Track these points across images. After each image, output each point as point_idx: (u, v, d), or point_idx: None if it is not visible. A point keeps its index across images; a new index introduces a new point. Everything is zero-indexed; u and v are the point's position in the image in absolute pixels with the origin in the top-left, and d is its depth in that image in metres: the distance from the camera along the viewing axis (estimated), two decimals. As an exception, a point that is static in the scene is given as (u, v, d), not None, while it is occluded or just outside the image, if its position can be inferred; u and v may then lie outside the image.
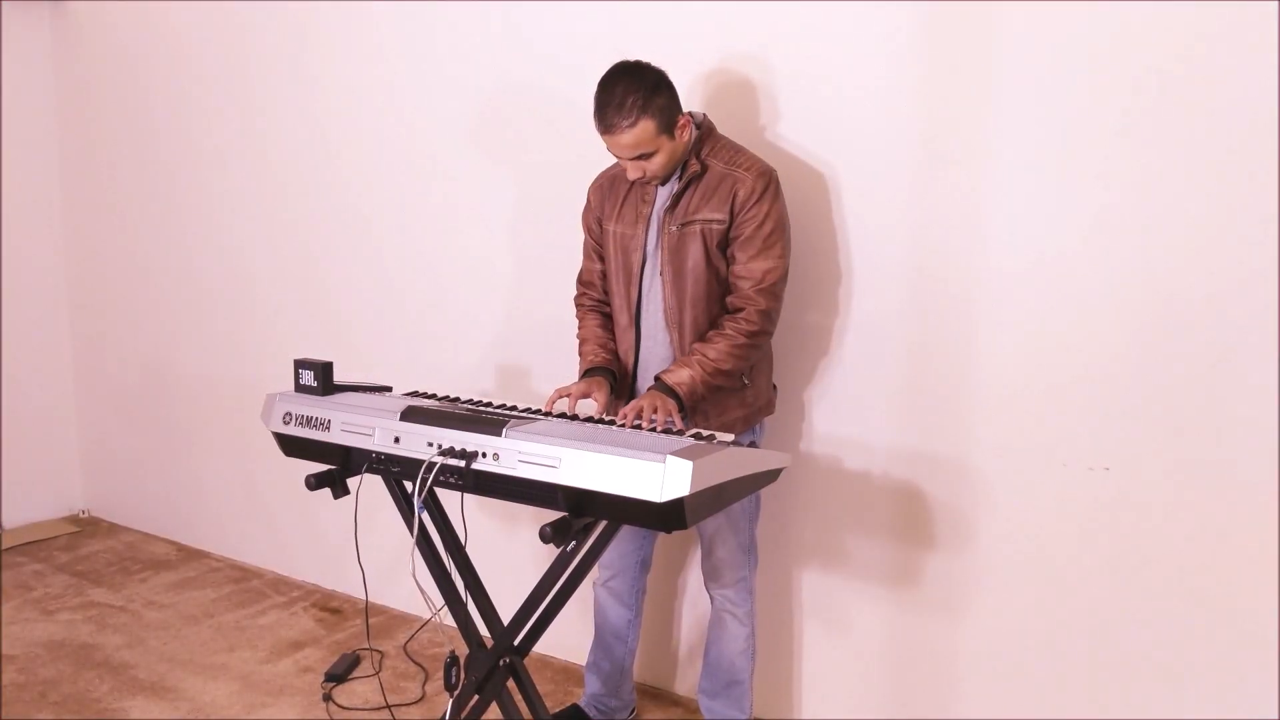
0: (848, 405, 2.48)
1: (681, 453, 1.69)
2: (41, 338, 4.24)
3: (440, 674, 2.94)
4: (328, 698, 2.81)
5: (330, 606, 3.46)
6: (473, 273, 3.10)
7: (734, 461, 1.81)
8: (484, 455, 1.86)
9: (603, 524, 1.93)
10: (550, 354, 2.93)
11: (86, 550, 3.99)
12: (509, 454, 1.83)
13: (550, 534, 1.75)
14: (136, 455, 4.19)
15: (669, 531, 1.77)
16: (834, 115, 2.40)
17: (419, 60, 3.11)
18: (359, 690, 2.87)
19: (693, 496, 1.67)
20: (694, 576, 2.80)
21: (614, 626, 2.57)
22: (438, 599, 2.14)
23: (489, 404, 2.22)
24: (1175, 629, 2.14)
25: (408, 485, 2.14)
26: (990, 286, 2.26)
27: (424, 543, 2.07)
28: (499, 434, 1.85)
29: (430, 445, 1.92)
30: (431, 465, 1.87)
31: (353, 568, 3.51)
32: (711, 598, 2.45)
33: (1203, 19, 1.97)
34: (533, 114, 2.89)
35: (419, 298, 3.25)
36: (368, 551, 3.58)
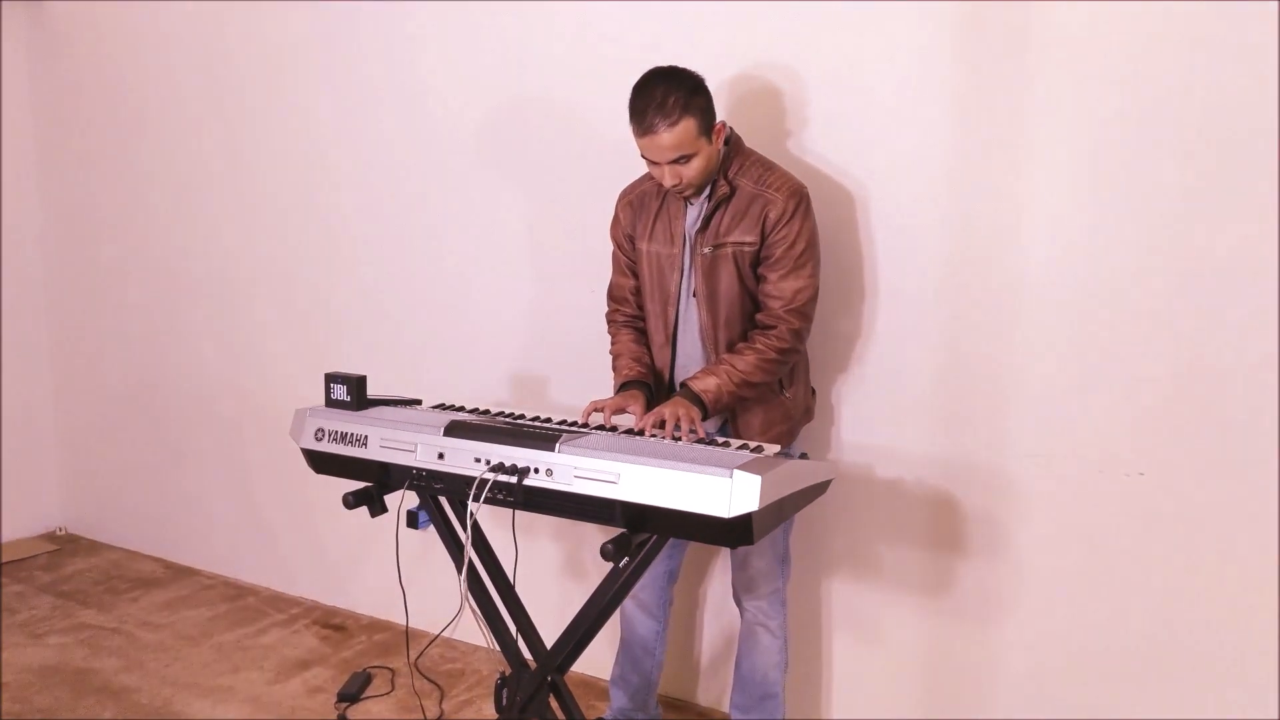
0: (880, 413, 2.47)
1: (748, 466, 1.66)
2: (19, 346, 4.08)
3: (455, 690, 2.89)
4: (343, 718, 2.73)
5: (333, 623, 3.37)
6: (481, 283, 3.04)
7: (795, 474, 1.78)
8: (536, 471, 1.81)
9: (652, 539, 1.89)
10: (566, 365, 2.88)
11: (70, 569, 3.85)
12: (564, 469, 1.78)
13: (612, 551, 1.71)
14: (119, 469, 4.05)
15: (734, 547, 1.74)
16: (861, 123, 2.38)
17: (422, 66, 3.04)
18: (374, 710, 2.79)
19: (761, 511, 1.64)
20: (716, 586, 2.77)
21: (642, 639, 2.53)
22: (465, 616, 2.09)
23: (523, 416, 2.17)
24: (1214, 636, 2.15)
25: (443, 501, 2.11)
26: (1023, 293, 2.26)
27: (459, 557, 2.01)
28: (552, 449, 1.80)
29: (478, 461, 1.86)
30: (484, 482, 1.81)
31: (353, 583, 3.46)
32: (742, 610, 2.42)
33: (1236, 20, 1.98)
34: (550, 124, 2.83)
35: (420, 308, 3.17)
36: (370, 565, 3.53)
